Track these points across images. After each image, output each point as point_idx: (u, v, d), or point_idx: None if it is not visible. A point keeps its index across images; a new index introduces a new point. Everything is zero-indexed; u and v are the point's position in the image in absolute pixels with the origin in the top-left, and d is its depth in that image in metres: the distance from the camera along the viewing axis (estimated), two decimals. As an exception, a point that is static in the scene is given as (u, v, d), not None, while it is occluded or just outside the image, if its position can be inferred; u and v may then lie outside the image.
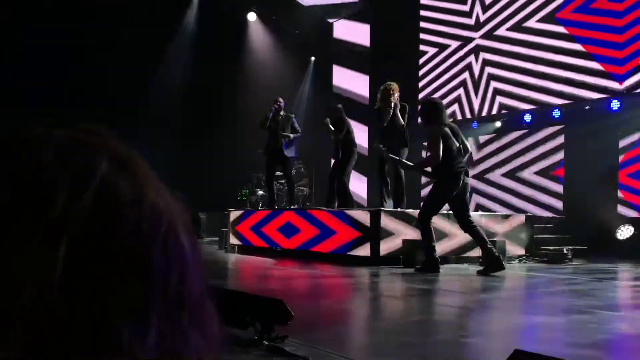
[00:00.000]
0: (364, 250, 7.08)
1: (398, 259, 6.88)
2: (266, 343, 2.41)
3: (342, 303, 4.22)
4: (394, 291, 5.04)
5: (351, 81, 14.76)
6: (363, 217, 7.18)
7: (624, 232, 9.00)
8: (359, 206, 11.10)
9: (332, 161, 9.04)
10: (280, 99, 9.24)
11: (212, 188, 12.71)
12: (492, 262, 5.87)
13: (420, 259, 6.41)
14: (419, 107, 6.32)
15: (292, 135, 9.00)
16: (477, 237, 6.04)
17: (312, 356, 2.23)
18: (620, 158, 9.35)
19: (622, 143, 9.35)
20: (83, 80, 11.64)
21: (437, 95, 12.42)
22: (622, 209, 9.27)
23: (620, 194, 9.33)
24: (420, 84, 12.84)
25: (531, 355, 1.63)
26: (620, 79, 9.29)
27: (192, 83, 13.48)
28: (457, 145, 6.02)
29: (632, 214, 9.13)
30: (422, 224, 6.14)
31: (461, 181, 5.92)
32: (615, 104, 9.33)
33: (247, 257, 8.37)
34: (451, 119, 6.50)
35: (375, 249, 6.95)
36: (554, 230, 9.04)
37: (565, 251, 7.88)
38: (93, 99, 11.44)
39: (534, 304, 4.26)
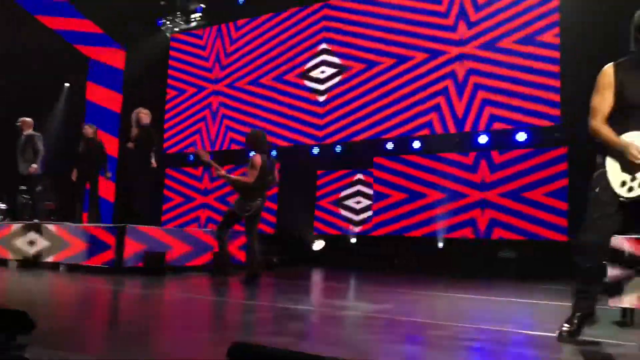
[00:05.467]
0: (110, 261, 6.63)
1: (139, 267, 6.62)
2: (9, 353, 2.12)
3: (85, 311, 3.90)
4: (130, 298, 4.82)
5: (104, 99, 13.58)
6: (109, 232, 6.75)
7: (317, 244, 10.01)
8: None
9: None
10: (21, 120, 8.25)
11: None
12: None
13: (160, 268, 6.36)
14: (246, 136, 6.05)
15: (34, 166, 8.05)
16: (250, 252, 5.85)
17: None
18: (318, 191, 10.38)
19: (319, 178, 10.42)
20: None
21: (181, 128, 12.35)
22: (317, 227, 10.27)
23: (316, 215, 10.32)
24: (167, 116, 12.60)
25: (247, 345, 1.74)
26: (320, 135, 10.40)
27: None
28: (267, 175, 5.81)
29: (324, 230, 10.17)
30: (218, 234, 5.91)
31: (254, 204, 5.70)
32: (315, 149, 10.41)
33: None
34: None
35: (119, 260, 6.58)
36: (268, 243, 9.54)
37: (274, 260, 8.42)
38: None
39: (247, 303, 4.45)
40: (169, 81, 12.70)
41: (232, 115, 11.53)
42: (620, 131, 2.67)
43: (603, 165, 2.73)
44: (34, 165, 8.00)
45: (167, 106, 12.61)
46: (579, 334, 2.79)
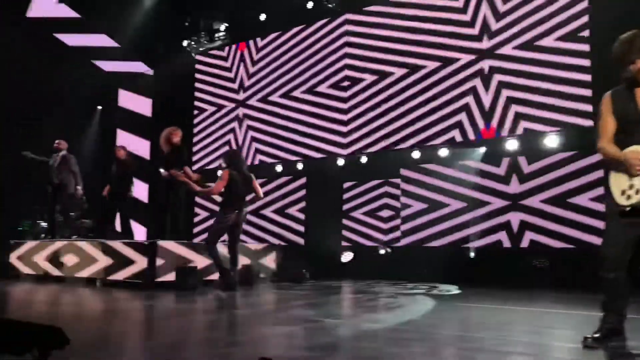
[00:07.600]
0: (142, 277, 6.73)
1: (172, 283, 6.69)
2: (42, 367, 2.17)
3: (118, 325, 3.96)
4: (163, 312, 4.87)
5: (133, 143, 13.62)
6: (142, 247, 6.86)
7: (346, 257, 9.94)
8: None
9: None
10: (57, 142, 8.69)
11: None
12: (228, 284, 6.20)
13: (192, 282, 6.47)
14: (223, 154, 7.14)
15: (79, 188, 8.50)
16: (231, 261, 6.44)
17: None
18: (345, 203, 10.34)
19: (346, 190, 10.38)
20: None
21: (211, 148, 12.51)
22: (345, 238, 10.21)
23: (344, 226, 10.26)
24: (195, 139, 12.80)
25: (272, 360, 1.73)
26: (345, 146, 10.40)
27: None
28: (240, 189, 6.36)
29: (353, 242, 10.11)
30: (208, 250, 6.36)
31: (231, 216, 6.26)
32: (340, 161, 10.38)
33: (33, 286, 7.35)
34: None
35: (151, 275, 6.68)
36: (297, 256, 9.53)
37: (304, 272, 8.40)
38: None
39: (278, 317, 4.45)
40: (196, 100, 12.91)
41: (258, 129, 11.63)
42: (623, 147, 2.83)
43: (607, 180, 2.87)
44: (79, 188, 8.42)
45: (195, 124, 12.82)
46: (604, 343, 2.81)
